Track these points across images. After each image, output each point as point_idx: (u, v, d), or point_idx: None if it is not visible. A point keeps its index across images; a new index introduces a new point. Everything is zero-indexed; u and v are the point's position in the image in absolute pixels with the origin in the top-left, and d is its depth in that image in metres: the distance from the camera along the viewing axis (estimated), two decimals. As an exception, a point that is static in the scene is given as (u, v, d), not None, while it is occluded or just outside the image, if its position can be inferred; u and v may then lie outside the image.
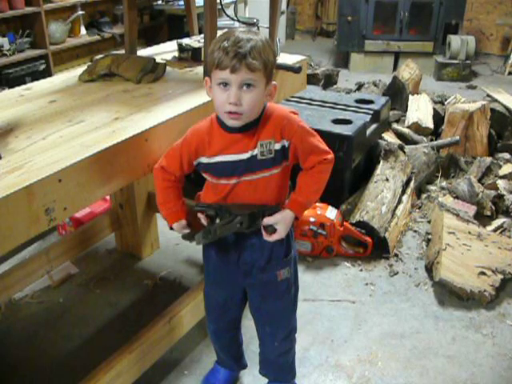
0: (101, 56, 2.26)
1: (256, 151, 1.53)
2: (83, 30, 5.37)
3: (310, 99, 3.57)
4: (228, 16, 2.47)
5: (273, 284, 1.73)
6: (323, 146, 1.59)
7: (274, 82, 1.51)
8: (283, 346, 1.90)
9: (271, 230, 1.60)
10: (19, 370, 2.20)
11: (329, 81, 5.12)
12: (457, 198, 3.27)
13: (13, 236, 1.30)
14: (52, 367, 2.20)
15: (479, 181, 3.37)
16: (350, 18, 6.24)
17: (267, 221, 1.59)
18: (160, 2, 5.41)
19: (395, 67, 6.24)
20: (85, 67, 2.24)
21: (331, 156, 1.59)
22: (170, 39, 2.89)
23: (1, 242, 1.27)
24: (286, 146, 1.54)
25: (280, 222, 1.60)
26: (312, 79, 4.66)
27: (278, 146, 1.53)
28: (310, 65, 5.30)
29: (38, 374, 2.18)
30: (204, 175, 1.63)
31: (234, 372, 2.12)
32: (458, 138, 3.78)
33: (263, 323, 1.86)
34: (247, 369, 2.14)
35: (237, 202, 1.60)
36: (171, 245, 2.99)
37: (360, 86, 4.93)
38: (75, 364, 2.18)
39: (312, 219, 2.79)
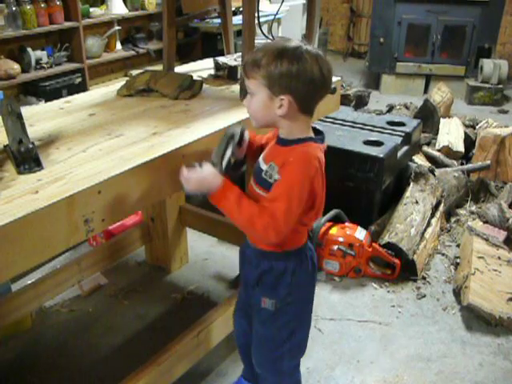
0: (139, 72, 2.31)
1: (264, 168, 1.55)
2: (119, 45, 5.45)
3: (342, 120, 3.58)
4: (264, 35, 2.51)
5: (257, 306, 1.70)
6: (280, 212, 1.44)
7: (284, 96, 1.44)
8: (264, 378, 1.85)
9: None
10: (48, 378, 2.23)
11: (360, 102, 5.14)
12: (486, 222, 3.25)
13: (53, 244, 1.33)
14: (80, 376, 2.23)
15: (510, 206, 3.34)
16: (382, 40, 6.26)
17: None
18: (196, 20, 5.48)
19: (426, 90, 6.24)
20: (120, 82, 2.29)
21: (267, 224, 1.45)
22: (204, 56, 2.94)
23: (42, 249, 1.30)
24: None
25: (198, 175, 1.49)
26: (343, 100, 4.68)
27: (276, 177, 1.50)
28: (342, 85, 5.32)
29: (66, 382, 2.21)
30: None
31: None
32: (488, 162, 3.77)
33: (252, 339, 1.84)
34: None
35: None
36: (200, 260, 3.02)
37: (391, 108, 4.94)
38: (103, 373, 2.22)
39: (341, 239, 2.80)
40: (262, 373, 1.85)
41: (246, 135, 1.65)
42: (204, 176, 1.49)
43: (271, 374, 1.84)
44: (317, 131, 1.59)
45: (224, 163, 1.53)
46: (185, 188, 1.52)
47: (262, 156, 1.62)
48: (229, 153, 1.55)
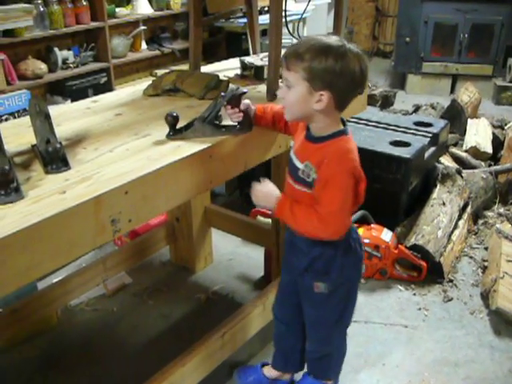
0: (165, 71, 2.30)
1: (301, 167, 1.61)
2: (144, 45, 5.48)
3: (368, 120, 3.56)
4: (291, 35, 2.49)
5: (309, 292, 1.78)
6: (330, 205, 1.55)
7: (324, 92, 1.48)
8: (317, 352, 1.97)
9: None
10: (72, 376, 2.24)
11: (386, 102, 5.10)
12: (515, 225, 3.20)
13: (80, 244, 1.33)
14: (104, 374, 2.24)
15: (539, 209, 3.29)
16: (408, 39, 6.20)
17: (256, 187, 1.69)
18: (221, 20, 5.48)
19: (452, 90, 6.17)
20: (146, 81, 2.29)
21: (326, 221, 1.56)
22: (228, 56, 2.92)
23: (70, 249, 1.30)
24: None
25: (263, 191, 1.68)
26: (369, 100, 4.64)
27: (315, 176, 1.57)
28: (369, 85, 5.28)
29: (90, 380, 2.22)
30: None
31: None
32: (517, 163, 3.70)
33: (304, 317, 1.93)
34: None
35: None
36: (224, 260, 3.01)
37: (417, 108, 4.89)
38: (127, 373, 2.22)
39: (367, 240, 2.77)
40: (313, 348, 1.97)
41: (246, 102, 1.74)
42: (266, 191, 1.68)
43: (324, 349, 1.96)
44: (343, 122, 1.65)
45: (205, 114, 1.71)
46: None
47: (293, 152, 1.68)
48: (215, 109, 1.71)
